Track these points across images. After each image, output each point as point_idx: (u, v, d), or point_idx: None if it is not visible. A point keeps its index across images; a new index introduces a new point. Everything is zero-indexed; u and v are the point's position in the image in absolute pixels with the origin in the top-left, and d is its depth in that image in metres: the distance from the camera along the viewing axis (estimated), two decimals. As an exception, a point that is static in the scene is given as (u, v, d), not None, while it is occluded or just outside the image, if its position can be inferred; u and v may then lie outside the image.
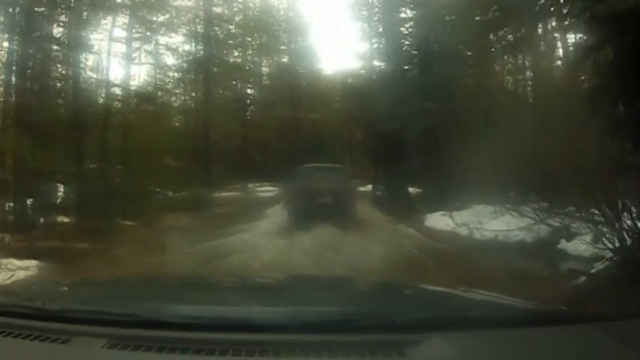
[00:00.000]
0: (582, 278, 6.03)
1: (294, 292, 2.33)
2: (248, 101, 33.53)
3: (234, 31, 28.95)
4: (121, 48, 18.26)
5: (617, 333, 1.48)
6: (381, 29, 19.45)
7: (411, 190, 17.78)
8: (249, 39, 32.76)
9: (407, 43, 17.84)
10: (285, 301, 1.99)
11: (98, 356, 1.36)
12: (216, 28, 26.92)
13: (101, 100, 16.68)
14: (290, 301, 1.99)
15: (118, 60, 17.96)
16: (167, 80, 24.91)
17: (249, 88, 34.12)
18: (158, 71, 23.81)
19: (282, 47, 35.21)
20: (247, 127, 32.21)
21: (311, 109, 32.74)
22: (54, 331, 1.46)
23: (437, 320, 1.55)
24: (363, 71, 23.32)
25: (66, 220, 13.70)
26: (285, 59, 35.48)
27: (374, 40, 21.23)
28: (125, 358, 1.34)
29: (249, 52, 33.97)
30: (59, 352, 1.39)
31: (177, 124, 26.32)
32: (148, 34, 19.25)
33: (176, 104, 26.05)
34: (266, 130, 31.67)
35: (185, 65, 25.57)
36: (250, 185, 27.65)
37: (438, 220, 12.17)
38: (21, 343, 1.43)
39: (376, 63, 21.35)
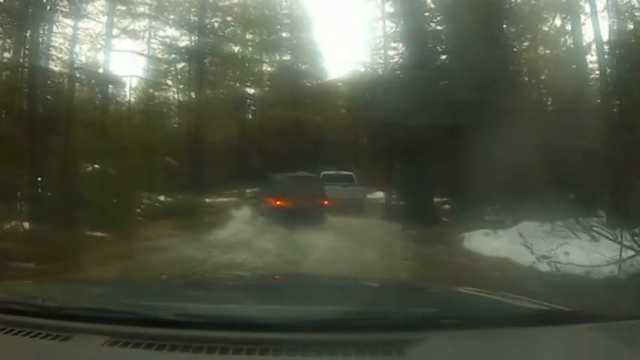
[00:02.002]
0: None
1: (294, 291, 2.26)
2: (246, 100, 31.47)
3: (230, 19, 26.45)
4: (98, 31, 15.82)
5: (617, 333, 1.46)
6: (398, 8, 16.72)
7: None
8: (248, 33, 30.55)
9: (432, 22, 15.16)
10: (286, 300, 1.97)
11: (99, 354, 1.35)
12: (211, 18, 24.54)
13: (65, 89, 14.12)
14: (290, 300, 1.98)
15: (93, 46, 15.45)
16: (153, 70, 22.47)
17: (248, 86, 32.00)
18: (143, 60, 21.35)
19: (285, 42, 32.89)
20: (245, 128, 30.25)
21: (315, 109, 30.47)
22: (54, 328, 1.45)
23: (437, 319, 1.52)
24: (377, 61, 20.79)
25: (18, 231, 11.20)
26: (287, 56, 33.28)
27: (389, 23, 18.66)
28: (126, 355, 1.33)
29: (250, 48, 31.72)
30: (60, 349, 1.38)
31: (165, 120, 23.82)
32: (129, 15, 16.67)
33: (163, 98, 23.52)
34: (266, 132, 29.44)
35: (175, 56, 23.18)
36: (248, 191, 25.32)
37: (481, 242, 9.46)
38: (21, 340, 1.41)
39: (393, 50, 18.77)
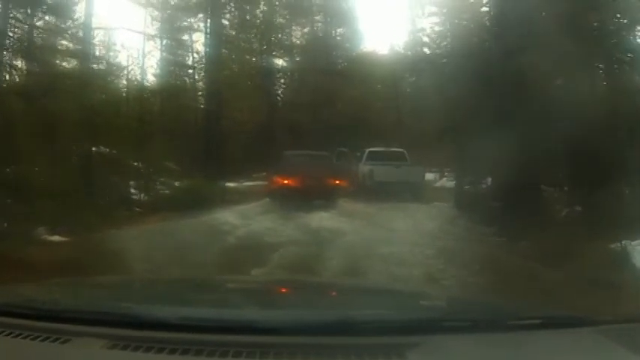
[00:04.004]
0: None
1: (294, 294, 2.28)
2: (274, 72, 28.13)
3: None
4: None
5: (619, 337, 1.45)
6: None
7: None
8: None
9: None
10: (286, 304, 2.00)
11: (98, 356, 1.36)
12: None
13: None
14: (290, 304, 2.00)
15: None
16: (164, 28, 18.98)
17: (275, 55, 28.54)
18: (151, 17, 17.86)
19: (316, 5, 29.23)
20: (274, 104, 27.06)
21: (353, 80, 26.93)
22: (54, 331, 1.45)
23: (437, 323, 1.53)
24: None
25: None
26: (319, 22, 29.59)
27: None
28: (125, 358, 1.33)
29: (277, 11, 28.14)
30: (59, 352, 1.39)
31: (176, 92, 20.43)
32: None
33: (175, 65, 20.03)
34: (298, 107, 26.13)
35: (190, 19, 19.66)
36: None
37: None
38: (21, 343, 1.41)
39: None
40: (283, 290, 2.44)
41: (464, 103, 12.78)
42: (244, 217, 11.39)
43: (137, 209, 12.21)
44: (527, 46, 9.78)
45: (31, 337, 1.42)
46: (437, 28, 25.87)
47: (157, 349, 1.32)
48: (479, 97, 11.64)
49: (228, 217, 11.32)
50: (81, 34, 12.20)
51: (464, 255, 6.91)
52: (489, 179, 12.63)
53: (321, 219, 10.79)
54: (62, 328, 1.45)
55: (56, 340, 1.40)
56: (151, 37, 18.92)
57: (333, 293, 2.33)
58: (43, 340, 1.40)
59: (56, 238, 7.91)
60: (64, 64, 11.78)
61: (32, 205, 8.48)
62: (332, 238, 8.34)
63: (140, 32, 17.93)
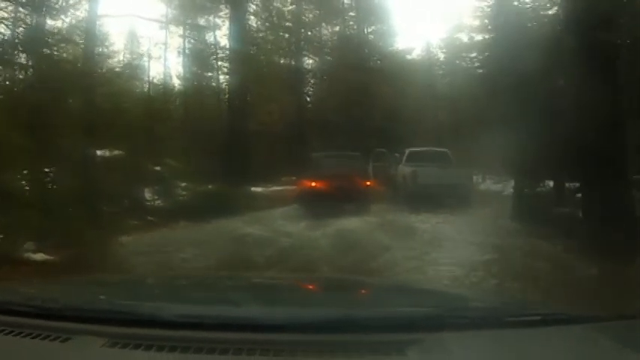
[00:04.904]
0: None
1: (294, 291, 2.29)
2: (304, 72, 27.02)
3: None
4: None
5: (615, 333, 1.44)
6: None
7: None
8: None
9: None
10: (286, 301, 2.00)
11: (98, 355, 1.33)
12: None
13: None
14: (291, 301, 2.00)
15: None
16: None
17: (305, 55, 27.35)
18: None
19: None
20: (305, 104, 26.02)
21: (387, 79, 25.54)
22: (54, 329, 1.42)
23: (437, 320, 1.49)
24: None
25: None
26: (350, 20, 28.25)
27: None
28: (125, 356, 1.31)
29: (305, 9, 26.95)
30: (59, 350, 1.36)
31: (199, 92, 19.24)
32: None
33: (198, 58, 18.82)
34: (330, 108, 25.01)
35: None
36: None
37: None
38: (20, 341, 1.39)
39: None
40: (283, 288, 2.40)
41: (516, 96, 11.13)
42: (271, 229, 9.91)
43: (149, 218, 10.89)
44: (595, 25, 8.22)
45: (31, 335, 1.39)
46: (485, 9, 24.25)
47: (157, 347, 1.29)
48: (533, 88, 10.03)
49: (251, 227, 9.88)
50: (86, 25, 10.91)
51: (580, 285, 5.20)
52: (550, 182, 10.98)
53: (360, 230, 9.25)
54: (62, 326, 1.42)
55: (56, 338, 1.37)
56: (171, 30, 17.69)
57: (333, 290, 2.26)
58: (43, 339, 1.37)
59: (39, 256, 6.55)
60: (63, 54, 10.51)
61: (18, 216, 7.17)
62: (377, 256, 6.77)
63: (162, 21, 16.66)
